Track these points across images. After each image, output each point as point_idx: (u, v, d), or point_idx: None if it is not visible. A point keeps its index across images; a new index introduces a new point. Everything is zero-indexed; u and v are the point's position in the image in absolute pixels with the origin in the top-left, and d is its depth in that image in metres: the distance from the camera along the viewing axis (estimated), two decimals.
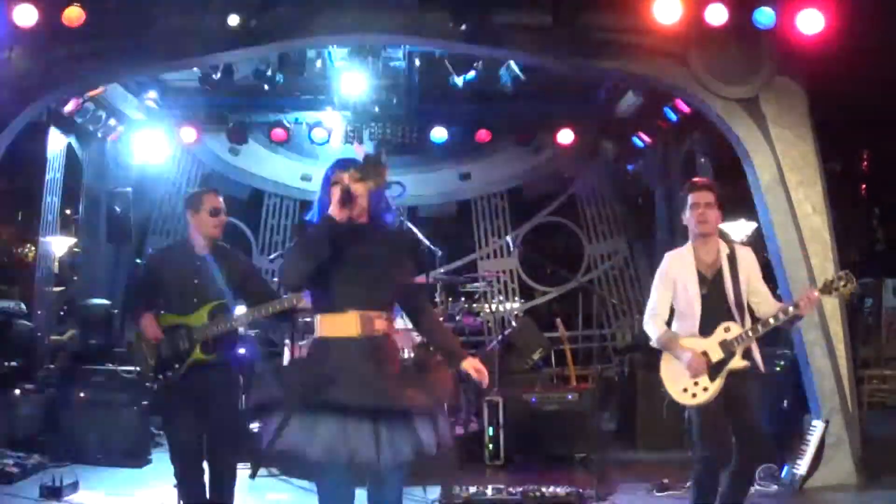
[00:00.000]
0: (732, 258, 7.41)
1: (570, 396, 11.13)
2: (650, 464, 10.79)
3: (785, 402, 10.54)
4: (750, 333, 7.22)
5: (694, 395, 7.26)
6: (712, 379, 7.21)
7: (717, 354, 7.23)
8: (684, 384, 7.30)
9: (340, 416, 5.03)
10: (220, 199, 7.77)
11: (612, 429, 12.38)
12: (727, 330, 7.24)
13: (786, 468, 9.79)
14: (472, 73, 12.16)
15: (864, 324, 13.79)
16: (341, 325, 5.35)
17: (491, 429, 10.93)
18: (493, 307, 14.67)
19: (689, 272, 7.40)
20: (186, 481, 7.58)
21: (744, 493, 7.54)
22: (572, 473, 10.38)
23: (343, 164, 5.46)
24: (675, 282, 7.45)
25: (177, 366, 7.48)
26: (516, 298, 16.32)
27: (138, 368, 7.97)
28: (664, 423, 10.98)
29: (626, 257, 16.47)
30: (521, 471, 10.50)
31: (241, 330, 8.07)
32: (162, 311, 7.70)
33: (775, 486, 9.59)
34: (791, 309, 7.18)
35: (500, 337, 13.03)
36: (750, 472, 7.66)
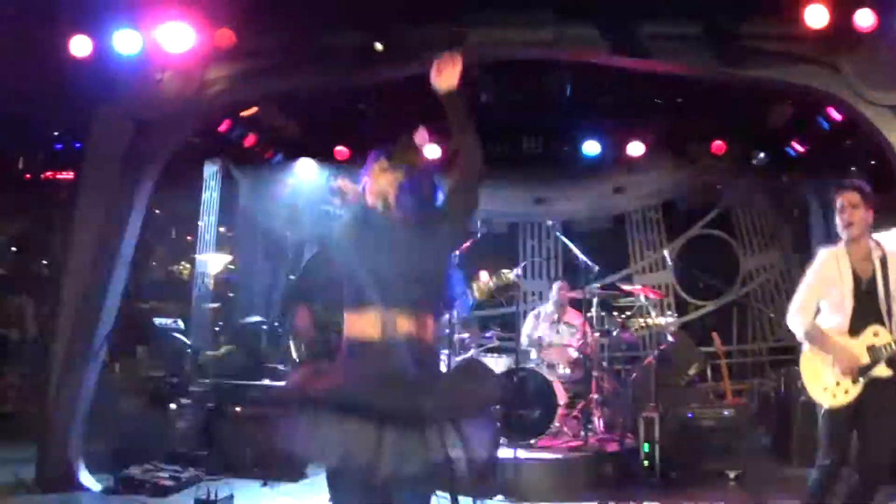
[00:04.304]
0: (884, 262, 7.24)
1: (726, 412, 10.98)
2: (805, 480, 10.57)
3: None
4: None
5: (834, 396, 7.14)
6: (854, 382, 7.07)
7: (864, 358, 7.09)
8: (825, 383, 7.19)
9: (342, 418, 4.70)
10: None
11: (767, 444, 12.17)
12: (876, 334, 7.09)
13: None
14: None
15: None
16: (362, 325, 4.98)
17: (647, 445, 10.80)
18: (649, 322, 14.57)
19: (843, 270, 7.27)
20: None
21: None
22: (727, 490, 10.27)
23: (376, 155, 5.17)
24: (828, 279, 7.34)
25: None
26: (671, 313, 16.16)
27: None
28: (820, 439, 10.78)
29: (782, 270, 16.17)
30: (677, 487, 10.37)
31: None
32: (321, 309, 7.81)
33: None
34: None
35: (656, 352, 12.92)
36: (868, 492, 7.37)
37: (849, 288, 7.22)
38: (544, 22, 10.00)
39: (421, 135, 5.23)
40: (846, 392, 7.10)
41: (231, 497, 9.60)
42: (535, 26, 10.02)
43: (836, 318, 7.27)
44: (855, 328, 7.17)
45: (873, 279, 7.21)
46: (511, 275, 10.39)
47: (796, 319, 7.41)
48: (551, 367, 12.32)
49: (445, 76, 5.17)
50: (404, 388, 4.80)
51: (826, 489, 7.33)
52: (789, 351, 14.24)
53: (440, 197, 5.12)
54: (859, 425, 7.13)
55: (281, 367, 11.57)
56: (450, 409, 4.81)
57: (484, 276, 11.25)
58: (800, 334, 7.41)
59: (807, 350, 7.43)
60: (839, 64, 9.67)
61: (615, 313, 13.63)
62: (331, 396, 4.80)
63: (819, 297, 7.38)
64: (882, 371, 7.07)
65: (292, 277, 14.67)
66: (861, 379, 7.08)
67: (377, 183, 5.07)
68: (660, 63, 10.35)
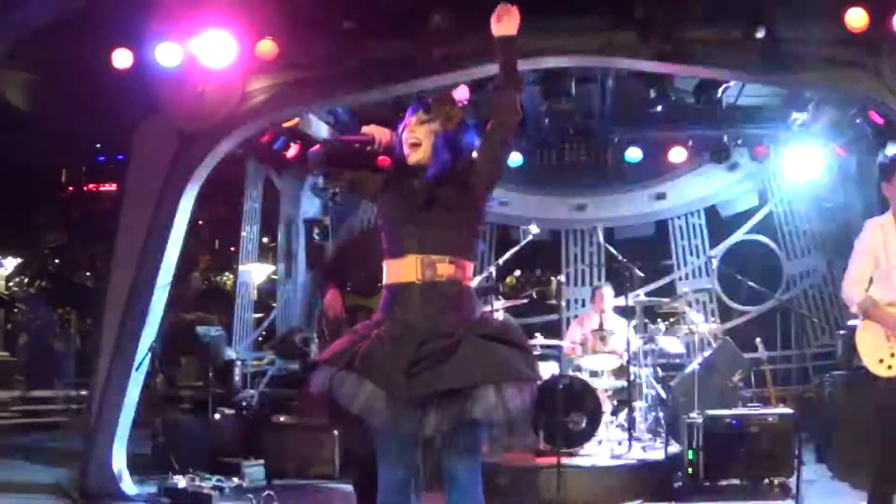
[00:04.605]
0: None
1: (770, 418, 10.88)
2: (850, 487, 10.51)
3: None
4: None
5: (889, 367, 7.15)
6: None
7: None
8: (880, 355, 7.20)
9: (382, 358, 4.86)
10: None
11: (811, 450, 12.08)
12: None
13: None
14: None
15: None
16: (402, 269, 5.10)
17: (691, 452, 10.74)
18: (693, 328, 14.50)
19: (891, 240, 7.29)
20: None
21: None
22: (772, 497, 10.19)
23: (415, 107, 5.28)
24: (876, 250, 7.34)
25: None
26: (714, 319, 16.07)
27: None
28: (865, 446, 10.71)
29: (825, 275, 16.05)
30: (721, 494, 10.32)
31: None
32: (347, 292, 7.81)
33: None
34: None
35: (700, 358, 12.85)
36: None
37: None
38: (589, 29, 10.01)
39: (461, 91, 5.34)
40: None
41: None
42: (581, 34, 10.03)
43: (885, 289, 7.30)
44: None
45: None
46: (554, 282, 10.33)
47: (850, 292, 7.43)
48: (595, 374, 12.27)
49: (505, 24, 5.34)
50: (443, 328, 4.93)
51: (884, 475, 7.31)
52: (833, 356, 14.17)
53: (475, 149, 5.25)
54: None
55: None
56: (487, 368, 4.86)
57: (517, 272, 11.21)
58: (854, 307, 7.43)
59: (862, 323, 7.42)
60: (880, 67, 9.62)
61: (659, 320, 13.56)
62: (371, 338, 4.97)
63: (870, 269, 7.38)
64: None
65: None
66: None
67: (414, 134, 5.18)
68: (703, 69, 10.33)
